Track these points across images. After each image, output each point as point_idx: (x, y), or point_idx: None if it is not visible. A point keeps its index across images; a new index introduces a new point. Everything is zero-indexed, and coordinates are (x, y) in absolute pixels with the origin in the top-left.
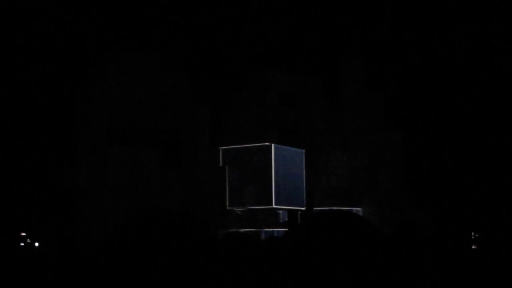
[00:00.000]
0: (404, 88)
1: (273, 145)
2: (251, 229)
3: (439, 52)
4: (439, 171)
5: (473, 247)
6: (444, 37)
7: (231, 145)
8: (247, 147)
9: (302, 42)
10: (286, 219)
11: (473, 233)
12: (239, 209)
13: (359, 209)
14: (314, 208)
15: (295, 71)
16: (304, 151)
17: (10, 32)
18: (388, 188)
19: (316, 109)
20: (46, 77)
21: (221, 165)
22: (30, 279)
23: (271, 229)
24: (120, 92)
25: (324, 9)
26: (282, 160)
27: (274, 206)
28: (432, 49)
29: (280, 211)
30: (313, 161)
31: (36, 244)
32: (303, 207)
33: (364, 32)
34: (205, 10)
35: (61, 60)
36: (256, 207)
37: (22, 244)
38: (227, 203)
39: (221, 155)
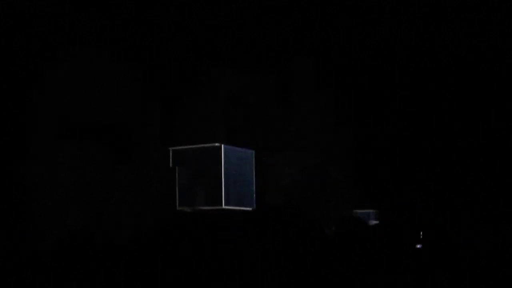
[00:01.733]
0: (355, 86)
1: (222, 146)
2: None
3: (391, 50)
4: (390, 169)
5: (417, 246)
6: (396, 35)
7: (181, 146)
8: (197, 147)
9: (254, 41)
10: None
11: (421, 232)
12: (189, 208)
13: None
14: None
15: (245, 70)
16: (254, 151)
17: None
18: (338, 186)
19: (267, 108)
20: None
21: (171, 165)
22: None
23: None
24: (71, 88)
25: (275, 8)
26: (232, 161)
27: (224, 206)
28: (384, 47)
29: None
30: (263, 161)
31: None
32: (253, 207)
33: (315, 30)
34: (157, 5)
35: (10, 54)
36: (206, 208)
37: None
38: (177, 204)
39: (171, 155)
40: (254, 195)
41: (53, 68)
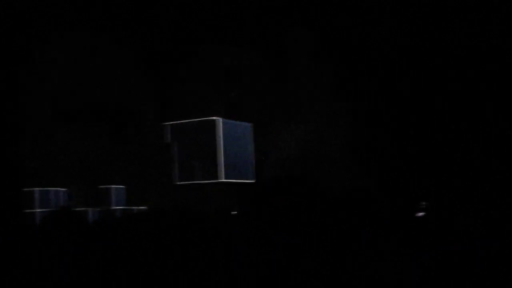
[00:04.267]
0: (353, 59)
1: (219, 119)
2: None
3: (391, 26)
4: (387, 142)
5: (419, 214)
6: (399, 12)
7: (177, 120)
8: (193, 121)
9: (248, 14)
10: None
11: (423, 203)
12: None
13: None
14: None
15: (241, 43)
16: (251, 124)
17: None
18: (336, 158)
19: (263, 82)
20: None
21: (167, 140)
22: None
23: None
24: (65, 67)
25: None
26: (229, 134)
27: (223, 180)
28: (383, 22)
29: None
30: (261, 134)
31: None
32: (253, 179)
33: (313, 2)
34: None
35: (3, 35)
36: (205, 181)
37: None
38: (177, 179)
39: (167, 130)
40: (254, 168)
41: (47, 50)
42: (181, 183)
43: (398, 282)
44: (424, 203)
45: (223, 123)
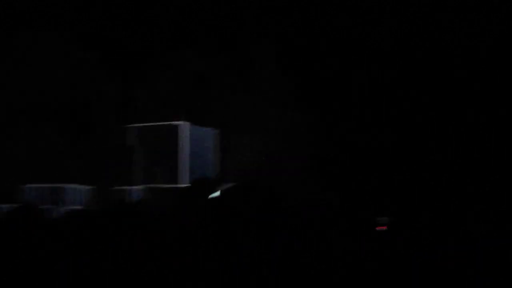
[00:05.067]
0: (317, 70)
1: (182, 123)
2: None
3: (355, 35)
4: (348, 154)
5: (381, 227)
6: (360, 21)
7: (140, 123)
8: (156, 125)
9: (216, 22)
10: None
11: (385, 217)
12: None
13: None
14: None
15: (207, 50)
16: (215, 130)
17: None
18: (296, 169)
19: (227, 89)
20: None
21: (128, 143)
22: None
23: None
24: (27, 67)
25: None
26: (193, 139)
27: (182, 184)
28: (347, 31)
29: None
30: (223, 141)
31: None
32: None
33: (278, 14)
34: None
35: None
36: (165, 186)
37: None
38: (137, 182)
39: (129, 132)
40: (214, 174)
41: (11, 50)
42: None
43: None
44: (385, 217)
45: (184, 127)
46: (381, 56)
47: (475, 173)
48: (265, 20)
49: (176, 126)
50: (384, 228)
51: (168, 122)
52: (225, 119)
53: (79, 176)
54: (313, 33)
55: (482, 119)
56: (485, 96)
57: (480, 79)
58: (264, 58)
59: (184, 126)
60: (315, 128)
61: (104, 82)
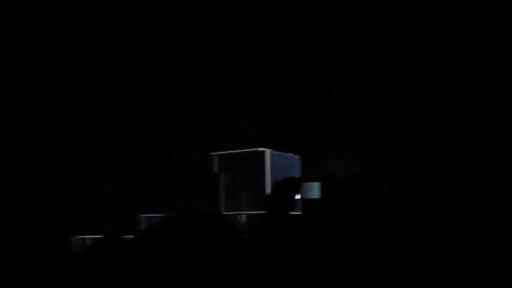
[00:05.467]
0: (398, 91)
1: (267, 150)
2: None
3: (434, 53)
4: (433, 174)
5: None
6: (440, 38)
7: (224, 151)
8: (241, 152)
9: (294, 44)
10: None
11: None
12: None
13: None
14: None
15: (286, 74)
16: (299, 157)
17: None
18: (382, 191)
19: (308, 113)
20: (33, 81)
21: (215, 171)
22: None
23: None
24: (110, 97)
25: (315, 11)
26: (277, 166)
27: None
28: (428, 50)
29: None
30: (306, 167)
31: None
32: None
33: (357, 33)
34: (196, 12)
35: (46, 63)
36: (252, 212)
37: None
38: (223, 209)
39: (214, 160)
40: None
41: (93, 79)
42: (228, 213)
43: None
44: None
45: (271, 154)
46: (468, 74)
47: None
48: (345, 39)
49: (262, 152)
50: None
51: (253, 149)
52: (308, 143)
53: (166, 206)
54: (396, 52)
55: None
56: None
57: None
58: (345, 78)
59: (268, 153)
60: (401, 147)
61: (187, 112)
